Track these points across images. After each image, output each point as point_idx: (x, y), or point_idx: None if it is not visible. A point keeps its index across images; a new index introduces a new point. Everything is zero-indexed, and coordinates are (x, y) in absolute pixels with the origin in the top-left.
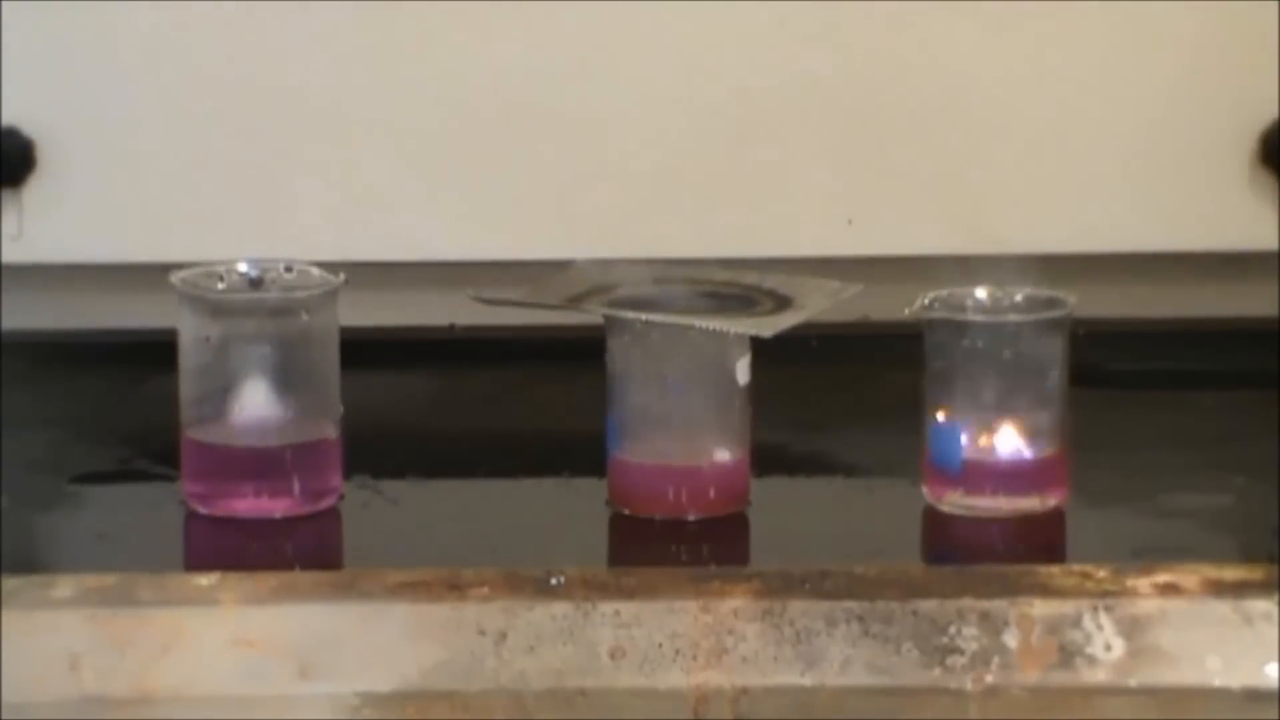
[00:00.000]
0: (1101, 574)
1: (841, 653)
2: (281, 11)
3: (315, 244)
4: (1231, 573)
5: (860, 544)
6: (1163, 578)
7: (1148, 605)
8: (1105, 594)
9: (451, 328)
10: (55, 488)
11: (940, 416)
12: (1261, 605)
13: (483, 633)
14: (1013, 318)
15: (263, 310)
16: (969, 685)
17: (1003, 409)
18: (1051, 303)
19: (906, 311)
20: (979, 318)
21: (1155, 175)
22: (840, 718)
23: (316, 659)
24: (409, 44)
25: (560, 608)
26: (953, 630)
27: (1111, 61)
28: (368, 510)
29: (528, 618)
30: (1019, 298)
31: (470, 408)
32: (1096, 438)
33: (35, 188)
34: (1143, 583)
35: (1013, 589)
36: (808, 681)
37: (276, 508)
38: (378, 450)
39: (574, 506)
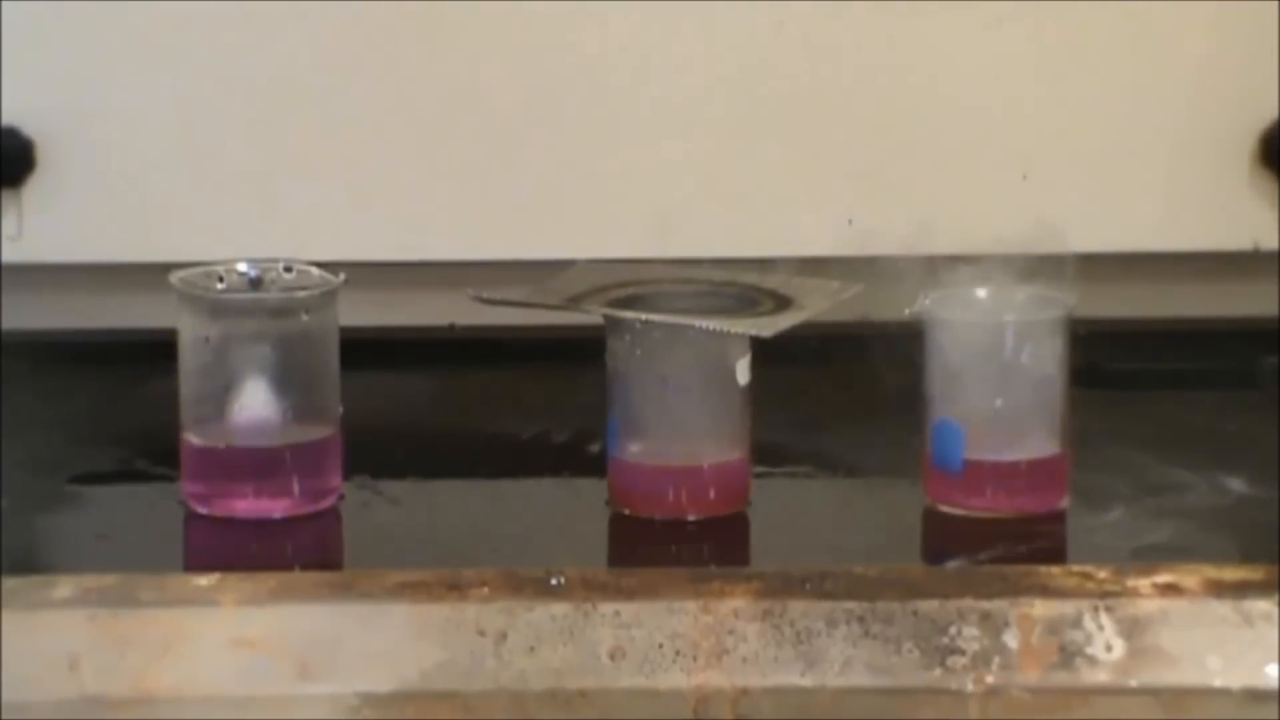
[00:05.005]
0: (1102, 574)
1: (842, 653)
2: (282, 11)
3: (315, 244)
4: (1232, 573)
5: (860, 544)
6: (1163, 578)
7: (1148, 605)
8: (1106, 594)
9: (451, 328)
10: (55, 488)
11: (940, 416)
12: (1261, 605)
13: (483, 633)
14: (1012, 318)
15: (262, 310)
16: (969, 686)
17: (1003, 409)
18: (1051, 303)
19: (906, 311)
20: (979, 318)
21: (1155, 175)
22: (840, 718)
23: (316, 659)
24: (409, 44)
25: (560, 608)
26: (953, 630)
27: (1111, 62)
28: (368, 510)
29: (528, 618)
30: (1019, 298)
31: (470, 408)
32: (1096, 438)
33: (35, 188)
34: (1143, 583)
35: (1013, 589)
36: (808, 682)
37: (276, 508)
38: (378, 450)
39: (574, 506)
